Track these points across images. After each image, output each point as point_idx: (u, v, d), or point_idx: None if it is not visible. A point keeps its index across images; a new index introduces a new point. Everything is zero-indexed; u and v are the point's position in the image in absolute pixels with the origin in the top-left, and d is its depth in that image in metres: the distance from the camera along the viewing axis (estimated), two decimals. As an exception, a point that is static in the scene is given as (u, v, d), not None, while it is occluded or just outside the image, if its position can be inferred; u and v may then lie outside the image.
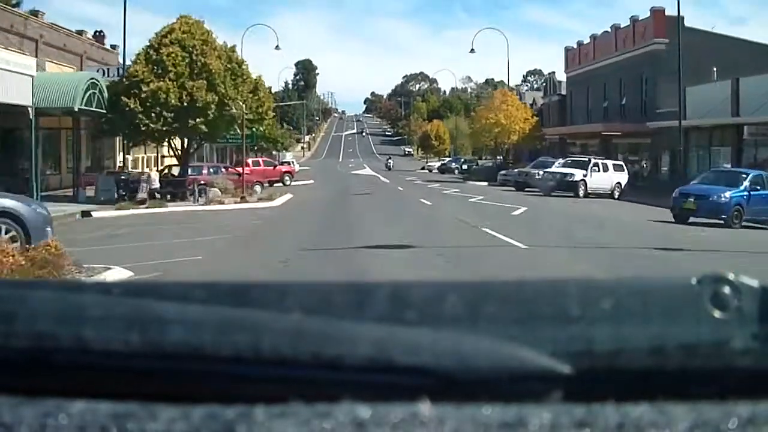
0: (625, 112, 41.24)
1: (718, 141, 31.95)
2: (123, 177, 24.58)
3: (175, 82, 22.75)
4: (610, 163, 32.23)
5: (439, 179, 47.98)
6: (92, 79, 23.42)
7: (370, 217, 18.48)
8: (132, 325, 0.64)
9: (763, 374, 0.66)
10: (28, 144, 20.57)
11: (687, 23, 33.45)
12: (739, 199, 17.97)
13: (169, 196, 23.87)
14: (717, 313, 0.68)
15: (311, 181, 42.24)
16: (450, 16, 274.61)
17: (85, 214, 19.44)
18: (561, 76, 53.91)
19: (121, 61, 28.91)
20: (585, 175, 30.48)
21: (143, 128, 22.55)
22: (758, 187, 18.48)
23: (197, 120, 22.84)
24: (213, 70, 23.23)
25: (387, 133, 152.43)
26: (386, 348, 0.64)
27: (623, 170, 32.44)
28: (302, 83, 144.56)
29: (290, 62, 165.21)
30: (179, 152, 25.68)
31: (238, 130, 25.46)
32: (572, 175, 30.33)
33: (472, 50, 51.57)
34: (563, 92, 52.11)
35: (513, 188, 34.76)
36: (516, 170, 37.51)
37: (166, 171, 27.63)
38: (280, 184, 36.77)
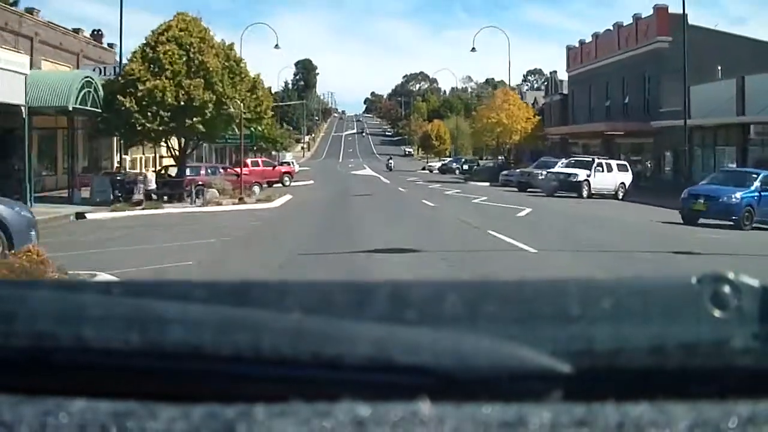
0: (628, 112, 40.88)
1: (723, 140, 31.60)
2: (119, 178, 24.13)
3: (171, 81, 22.31)
4: (614, 163, 31.83)
5: (440, 180, 47.56)
6: (87, 77, 22.94)
7: (370, 219, 17.99)
8: (132, 325, 0.65)
9: (763, 373, 0.66)
10: (22, 144, 20.07)
11: (689, 21, 32.92)
12: (750, 200, 17.53)
13: (166, 198, 23.38)
14: (717, 313, 0.68)
15: (311, 182, 41.84)
16: (450, 16, 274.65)
17: (79, 215, 19.03)
18: (562, 75, 53.38)
19: (118, 60, 28.37)
20: (588, 176, 30.12)
21: (139, 128, 22.10)
22: (769, 187, 17.99)
23: (194, 119, 22.38)
24: (210, 69, 22.77)
25: (387, 133, 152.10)
26: (386, 347, 0.64)
27: (627, 170, 32.05)
28: (302, 83, 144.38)
29: (290, 62, 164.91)
30: (177, 152, 25.11)
31: (237, 130, 24.90)
32: (576, 175, 29.91)
33: (473, 49, 51.14)
34: (565, 91, 51.54)
35: (515, 189, 34.49)
36: (518, 170, 37.13)
37: (162, 172, 27.07)
38: (280, 185, 36.23)
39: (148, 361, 0.65)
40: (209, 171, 28.45)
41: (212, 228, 15.75)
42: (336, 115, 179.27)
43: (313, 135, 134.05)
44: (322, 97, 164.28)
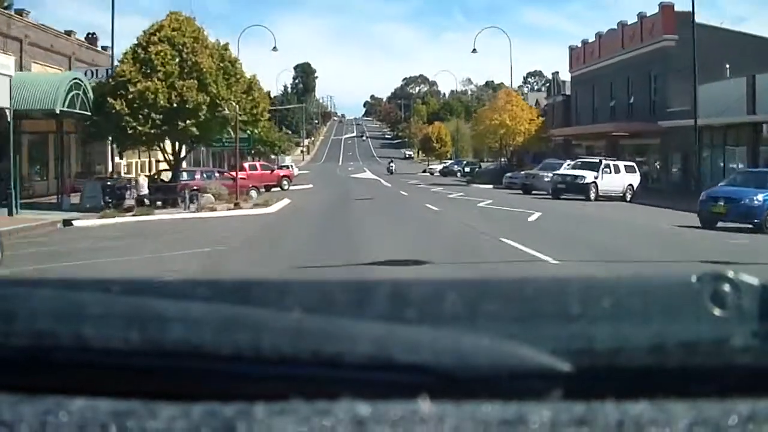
0: (633, 112, 40.19)
1: (733, 140, 30.92)
2: (109, 183, 23.10)
3: (164, 82, 21.49)
4: (621, 164, 31.08)
5: (441, 182, 46.76)
6: (75, 79, 22.08)
7: (373, 226, 17.05)
8: (132, 323, 0.65)
9: (763, 372, 0.67)
10: (7, 148, 19.15)
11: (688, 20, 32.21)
12: (773, 202, 16.54)
13: (159, 203, 22.40)
14: (717, 311, 0.69)
15: (310, 186, 40.93)
16: (449, 19, 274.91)
17: (67, 223, 18.01)
18: (565, 75, 52.48)
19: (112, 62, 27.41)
20: (596, 177, 29.42)
21: (130, 131, 21.23)
22: (791, 189, 17.04)
23: (188, 122, 21.56)
24: (204, 69, 21.95)
25: (387, 136, 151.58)
26: (386, 346, 0.64)
27: (635, 172, 31.31)
28: (301, 86, 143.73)
29: (289, 66, 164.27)
30: (171, 156, 24.13)
31: (232, 133, 23.88)
32: (583, 177, 29.15)
33: (474, 50, 50.42)
34: (567, 92, 50.63)
35: (520, 191, 33.85)
36: (523, 173, 36.26)
37: (155, 176, 26.10)
38: (278, 189, 35.27)
39: (148, 359, 0.65)
40: (205, 175, 27.49)
41: (202, 237, 14.87)
42: (335, 118, 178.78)
43: (312, 138, 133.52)
44: (321, 101, 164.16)
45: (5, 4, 32.13)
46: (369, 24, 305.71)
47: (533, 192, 32.47)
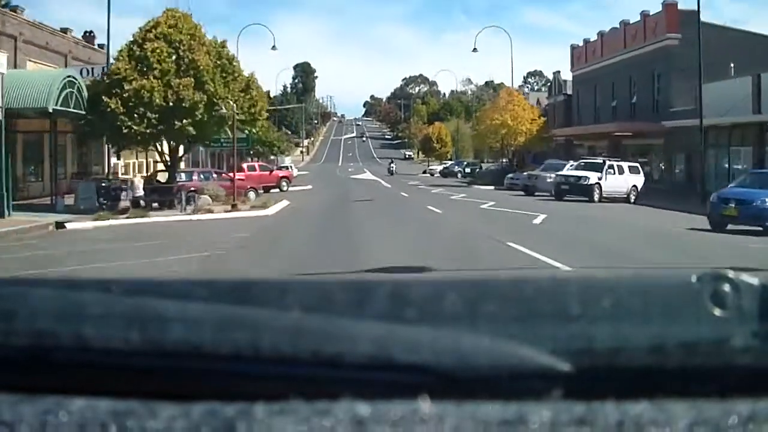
0: (636, 112, 39.81)
1: (738, 140, 30.57)
2: (104, 184, 22.51)
3: (160, 80, 21.02)
4: (625, 165, 30.67)
5: (442, 183, 46.33)
6: (69, 77, 21.54)
7: (373, 229, 16.55)
8: (132, 323, 0.66)
9: (763, 372, 0.67)
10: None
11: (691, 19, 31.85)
12: (786, 204, 16.02)
13: (156, 204, 21.85)
14: (717, 311, 0.69)
15: (309, 187, 40.42)
16: (449, 19, 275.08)
17: (59, 225, 17.44)
18: (566, 75, 51.97)
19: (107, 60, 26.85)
20: (600, 178, 29.05)
21: (125, 130, 20.69)
22: (803, 190, 16.55)
23: (184, 121, 21.04)
24: (201, 67, 21.46)
25: (387, 136, 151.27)
26: (386, 346, 0.65)
27: (639, 172, 30.91)
28: (301, 86, 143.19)
29: (289, 66, 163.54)
30: (168, 156, 23.57)
31: (229, 132, 23.30)
32: (587, 178, 28.72)
33: (475, 49, 50.05)
34: (569, 92, 50.08)
35: (522, 192, 33.43)
36: (525, 173, 35.70)
37: (151, 177, 25.57)
38: (277, 190, 34.74)
39: (148, 359, 0.65)
40: (202, 176, 26.95)
41: (196, 240, 14.29)
42: (335, 118, 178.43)
43: (312, 139, 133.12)
44: (321, 101, 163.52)
45: (2, 2, 31.56)
46: (369, 24, 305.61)
47: (536, 193, 32.17)
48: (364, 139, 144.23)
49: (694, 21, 28.77)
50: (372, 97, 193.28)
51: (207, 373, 0.65)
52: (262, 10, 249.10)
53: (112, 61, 23.48)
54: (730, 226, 16.84)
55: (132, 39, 22.47)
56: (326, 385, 0.63)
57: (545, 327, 0.69)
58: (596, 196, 28.79)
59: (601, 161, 31.00)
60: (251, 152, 43.79)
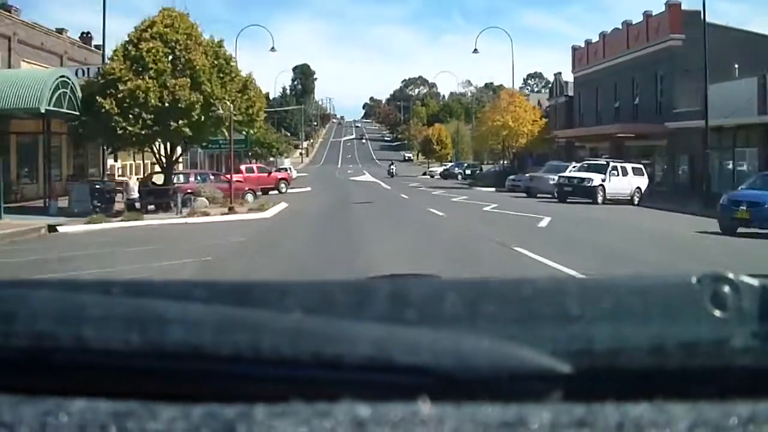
0: (638, 113, 39.50)
1: (743, 142, 30.29)
2: (98, 186, 21.97)
3: (155, 80, 20.61)
4: (629, 166, 30.29)
5: (442, 185, 45.93)
6: (62, 77, 21.06)
7: (374, 233, 16.05)
8: (132, 325, 0.66)
9: (763, 373, 0.67)
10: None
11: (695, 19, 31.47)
12: (798, 206, 15.54)
13: (152, 207, 21.40)
14: (717, 312, 0.69)
15: (308, 189, 39.93)
16: (448, 21, 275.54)
17: (52, 228, 16.96)
18: (567, 76, 51.52)
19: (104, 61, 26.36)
20: (603, 180, 28.55)
21: (120, 131, 20.18)
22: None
23: (180, 122, 20.53)
24: (198, 67, 21.05)
25: (386, 138, 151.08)
26: (386, 347, 0.65)
27: (643, 174, 30.53)
28: (300, 88, 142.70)
29: (288, 68, 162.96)
30: (164, 158, 23.04)
31: (226, 133, 22.78)
32: (590, 180, 28.33)
33: (476, 50, 49.72)
34: (570, 93, 49.62)
35: (524, 194, 33.05)
36: (527, 175, 35.20)
37: (147, 179, 25.06)
38: (276, 192, 34.23)
39: (148, 361, 0.65)
40: (199, 178, 26.44)
41: (189, 245, 13.91)
42: (334, 120, 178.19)
43: (311, 141, 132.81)
44: (320, 103, 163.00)
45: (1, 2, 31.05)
46: (368, 26, 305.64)
47: (538, 195, 31.88)
48: (364, 140, 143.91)
49: (698, 21, 28.39)
50: (371, 98, 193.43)
51: (207, 374, 0.65)
52: (262, 13, 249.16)
53: (107, 61, 22.96)
54: (740, 230, 16.37)
55: (127, 39, 21.96)
56: (326, 386, 0.63)
57: (545, 328, 0.69)
58: (600, 198, 28.57)
59: (605, 163, 30.79)
60: (250, 154, 43.32)
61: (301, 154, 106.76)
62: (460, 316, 0.69)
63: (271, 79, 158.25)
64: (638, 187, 30.08)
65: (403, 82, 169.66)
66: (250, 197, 26.95)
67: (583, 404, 0.62)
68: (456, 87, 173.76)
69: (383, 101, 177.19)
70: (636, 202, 29.28)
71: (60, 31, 32.72)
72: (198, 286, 0.74)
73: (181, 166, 31.29)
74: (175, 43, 21.69)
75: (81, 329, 0.65)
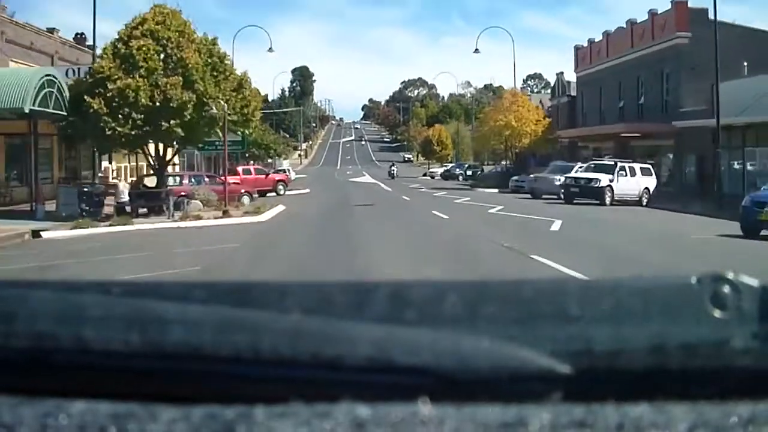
0: (644, 112, 38.84)
1: (753, 141, 29.71)
2: (86, 189, 21.00)
3: (146, 79, 19.72)
4: (637, 166, 29.59)
5: (444, 186, 45.17)
6: (48, 76, 20.22)
7: (376, 238, 15.30)
8: (132, 325, 0.66)
9: (764, 374, 0.68)
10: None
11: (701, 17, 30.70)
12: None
13: (144, 210, 20.46)
14: (717, 313, 0.69)
15: (307, 190, 39.04)
16: (447, 23, 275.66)
17: (36, 234, 16.00)
18: (570, 76, 50.65)
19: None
20: (611, 181, 27.73)
21: (109, 132, 19.16)
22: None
23: (171, 122, 19.57)
24: (190, 65, 20.19)
25: (385, 139, 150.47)
26: (386, 348, 0.65)
27: (651, 174, 29.82)
28: (299, 90, 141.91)
29: (287, 70, 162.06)
30: (157, 159, 22.10)
31: (220, 134, 21.81)
32: (598, 180, 27.53)
33: (477, 50, 48.91)
34: (573, 93, 48.74)
35: (528, 196, 32.18)
36: (532, 176, 34.29)
37: (138, 181, 24.12)
38: (274, 194, 33.28)
39: (148, 362, 0.65)
40: (193, 180, 25.50)
41: (176, 253, 12.80)
42: (334, 122, 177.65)
43: (310, 142, 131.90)
44: (319, 104, 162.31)
45: None
46: (367, 28, 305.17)
47: (542, 196, 31.37)
48: (363, 142, 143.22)
49: (704, 19, 27.67)
50: (370, 100, 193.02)
51: (207, 375, 0.64)
52: (261, 13, 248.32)
53: (97, 60, 22.02)
54: (764, 232, 15.48)
55: (117, 36, 21.05)
56: (326, 387, 0.63)
57: (545, 329, 0.68)
58: (608, 199, 28.05)
59: (612, 163, 30.24)
60: (247, 155, 42.41)
61: (300, 155, 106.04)
62: (460, 316, 0.69)
63: (270, 80, 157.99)
64: (646, 188, 29.55)
65: (402, 83, 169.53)
66: (246, 199, 26.16)
67: (583, 405, 0.62)
68: (455, 88, 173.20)
69: (382, 103, 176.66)
70: (644, 203, 28.68)
71: (51, 30, 31.89)
72: (198, 287, 0.73)
73: (177, 168, 30.38)
74: (167, 41, 21.03)
75: (81, 330, 0.64)
